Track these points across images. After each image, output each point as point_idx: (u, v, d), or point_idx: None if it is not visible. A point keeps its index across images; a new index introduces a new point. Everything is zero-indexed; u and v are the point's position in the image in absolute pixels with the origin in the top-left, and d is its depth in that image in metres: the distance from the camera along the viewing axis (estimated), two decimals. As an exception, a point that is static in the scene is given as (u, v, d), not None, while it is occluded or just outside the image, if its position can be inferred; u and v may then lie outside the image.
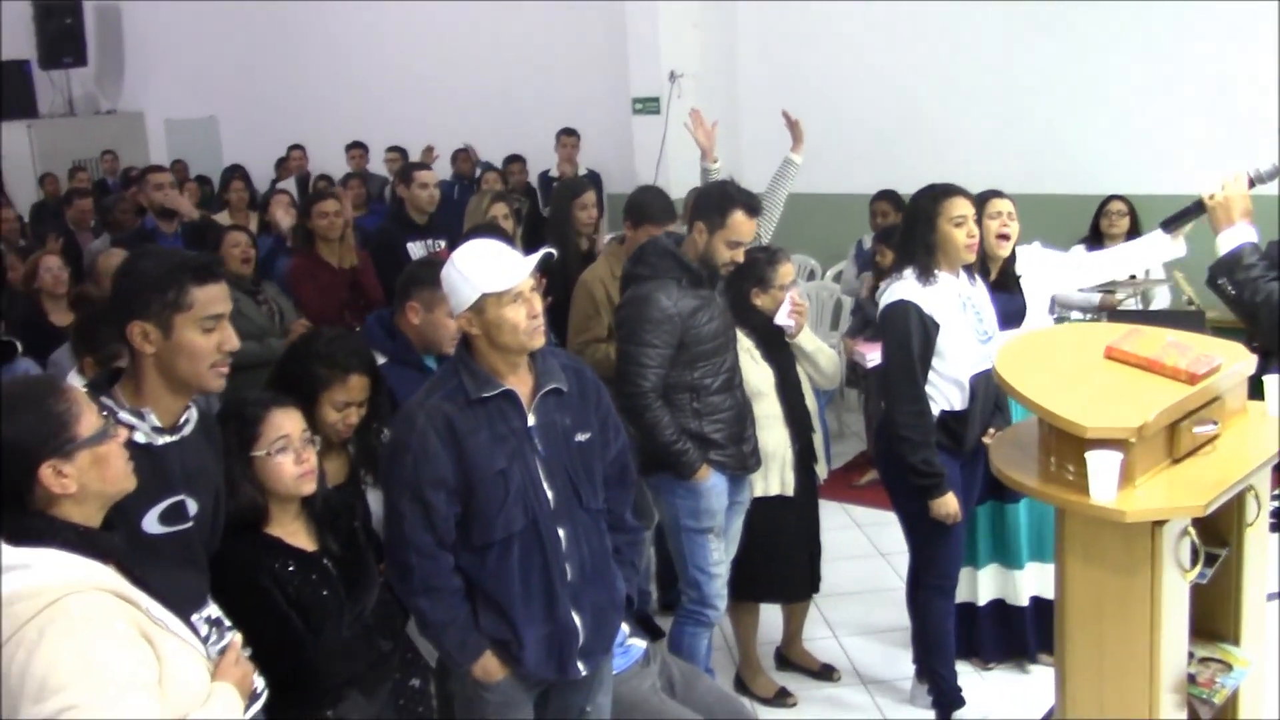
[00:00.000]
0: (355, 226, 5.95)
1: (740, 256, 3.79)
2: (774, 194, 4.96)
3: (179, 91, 12.80)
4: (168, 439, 2.42)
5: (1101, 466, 2.59)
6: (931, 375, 3.72)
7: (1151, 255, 4.09)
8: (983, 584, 4.26)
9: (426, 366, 3.53)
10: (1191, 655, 2.89)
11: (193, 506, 2.45)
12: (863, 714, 4.21)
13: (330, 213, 5.38)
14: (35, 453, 1.92)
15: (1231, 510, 2.85)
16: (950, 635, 3.96)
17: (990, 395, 3.79)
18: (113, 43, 13.55)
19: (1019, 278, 4.17)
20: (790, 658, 4.51)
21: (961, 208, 3.71)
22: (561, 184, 6.80)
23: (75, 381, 2.81)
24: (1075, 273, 4.50)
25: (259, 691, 2.55)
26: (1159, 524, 2.61)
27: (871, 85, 8.07)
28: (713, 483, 3.78)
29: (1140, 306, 5.98)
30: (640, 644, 3.58)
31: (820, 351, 4.22)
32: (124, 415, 2.36)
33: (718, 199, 3.76)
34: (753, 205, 3.75)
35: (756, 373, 4.02)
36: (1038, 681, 4.19)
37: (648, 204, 4.53)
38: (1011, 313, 4.06)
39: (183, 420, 2.47)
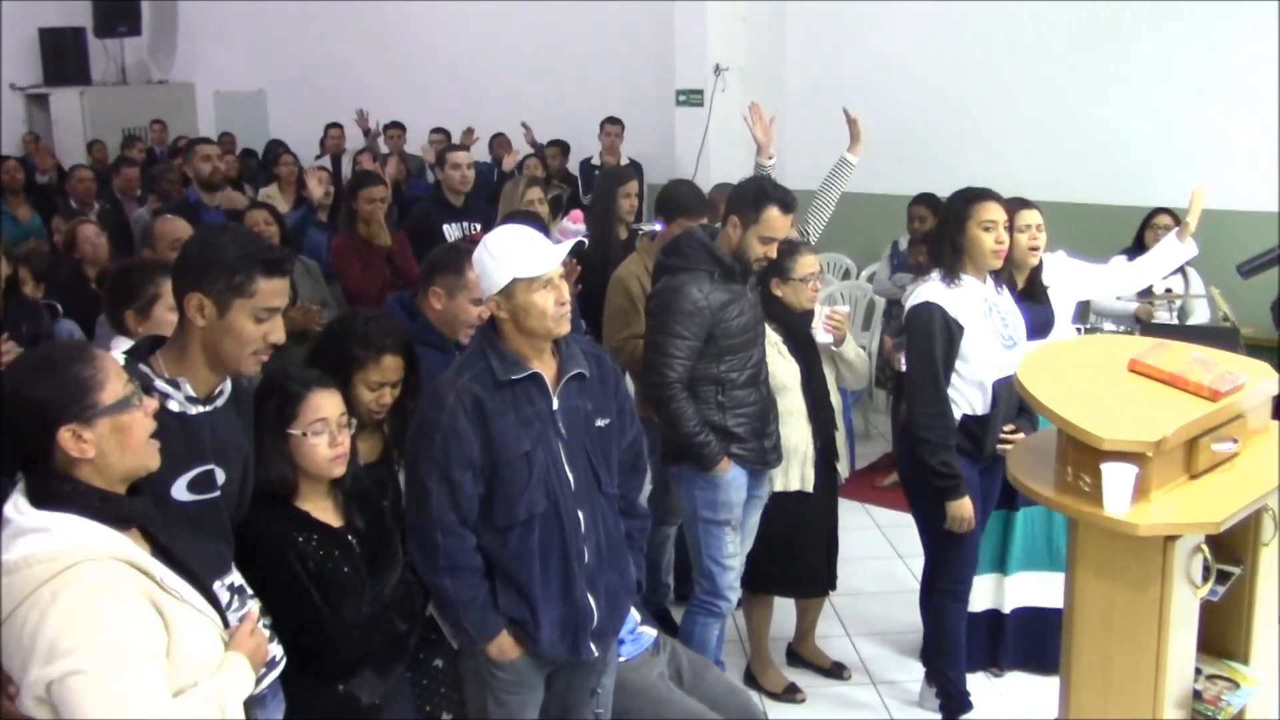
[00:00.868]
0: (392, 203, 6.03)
1: (774, 252, 3.80)
2: (826, 192, 4.81)
3: (229, 64, 12.94)
4: (201, 409, 2.48)
5: (1116, 478, 2.59)
6: (954, 378, 3.73)
7: (1168, 261, 4.35)
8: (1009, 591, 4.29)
9: (449, 347, 3.53)
10: (1199, 672, 2.89)
11: (221, 476, 2.51)
12: (871, 714, 4.22)
13: (378, 199, 5.45)
14: (56, 414, 1.96)
15: (1247, 528, 2.84)
16: (961, 639, 3.98)
17: (1013, 402, 3.78)
18: (167, 14, 13.70)
19: (1047, 288, 4.17)
20: (802, 654, 4.54)
21: (992, 212, 3.71)
22: (606, 171, 6.82)
23: (120, 347, 2.86)
24: (1102, 282, 4.51)
25: (277, 659, 2.62)
26: (1171, 539, 2.61)
27: (915, 87, 8.04)
28: (732, 476, 3.81)
29: (1176, 321, 5.94)
30: (650, 632, 3.64)
31: (858, 356, 4.26)
32: (160, 384, 2.42)
33: (753, 194, 3.77)
34: (787, 202, 3.76)
35: (783, 367, 4.04)
36: (1052, 689, 4.19)
37: (681, 197, 4.56)
38: (1040, 323, 4.06)
39: (217, 392, 2.52)
